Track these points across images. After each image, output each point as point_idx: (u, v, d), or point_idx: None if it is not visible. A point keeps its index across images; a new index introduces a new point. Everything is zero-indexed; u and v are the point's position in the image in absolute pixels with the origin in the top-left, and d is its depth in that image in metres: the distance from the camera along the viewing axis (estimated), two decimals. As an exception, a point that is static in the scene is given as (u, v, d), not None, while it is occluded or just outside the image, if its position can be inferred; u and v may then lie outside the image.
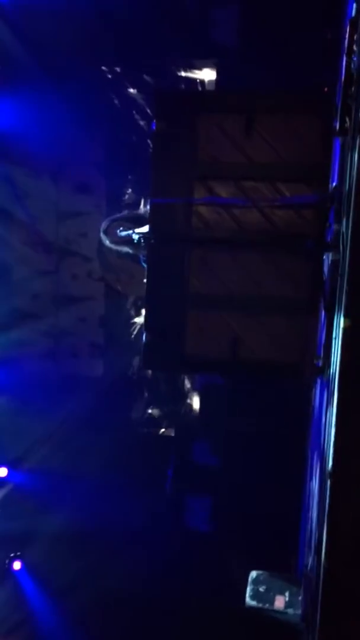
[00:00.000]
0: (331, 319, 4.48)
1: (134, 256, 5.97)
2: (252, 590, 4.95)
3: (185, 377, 9.57)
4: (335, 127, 4.50)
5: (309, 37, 7.42)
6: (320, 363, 4.89)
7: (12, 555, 9.13)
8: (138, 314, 9.53)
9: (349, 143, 3.51)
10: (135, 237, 5.41)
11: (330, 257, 4.85)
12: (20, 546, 9.15)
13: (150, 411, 9.81)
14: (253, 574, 5.08)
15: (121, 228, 5.67)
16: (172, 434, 9.71)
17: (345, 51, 3.42)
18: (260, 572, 5.04)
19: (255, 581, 4.98)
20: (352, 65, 3.28)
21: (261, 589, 4.91)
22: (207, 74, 8.91)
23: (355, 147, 3.16)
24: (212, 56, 8.80)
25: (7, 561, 9.11)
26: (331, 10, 6.88)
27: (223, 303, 5.06)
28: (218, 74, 8.81)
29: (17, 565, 9.17)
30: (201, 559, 8.58)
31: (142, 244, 5.50)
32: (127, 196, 9.43)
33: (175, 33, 8.62)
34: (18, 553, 9.16)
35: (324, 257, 4.98)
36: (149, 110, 8.90)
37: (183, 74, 8.94)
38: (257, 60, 7.89)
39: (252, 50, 8.14)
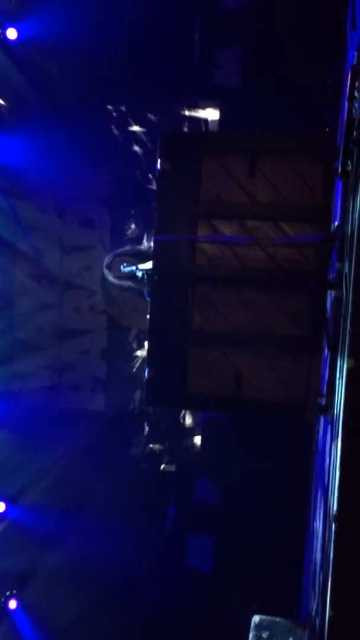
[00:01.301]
0: (334, 358, 4.47)
1: (137, 290, 6.01)
2: (255, 636, 4.82)
3: (187, 412, 9.51)
4: (337, 168, 4.58)
5: (311, 80, 7.60)
6: (324, 401, 4.86)
7: (7, 593, 8.94)
8: (140, 347, 9.53)
9: (352, 186, 3.56)
10: (139, 273, 5.44)
11: (332, 295, 4.87)
12: (17, 584, 8.96)
13: (151, 446, 9.72)
14: (256, 618, 4.95)
15: (125, 264, 5.72)
16: (173, 470, 9.60)
17: (347, 97, 3.50)
18: (263, 617, 4.91)
19: (258, 627, 4.85)
20: (354, 111, 3.35)
21: (264, 635, 4.78)
22: (211, 114, 9.09)
23: (357, 191, 3.20)
24: (216, 97, 9.00)
25: (2, 599, 8.91)
26: (332, 55, 7.07)
27: (226, 340, 5.06)
28: (221, 113, 8.99)
29: (12, 604, 8.97)
30: (202, 600, 8.39)
31: (145, 280, 5.54)
32: (130, 231, 9.54)
33: (180, 73, 8.83)
34: (14, 591, 8.96)
35: (327, 294, 5.00)
36: (151, 147, 9.06)
37: (187, 113, 9.13)
38: (260, 101, 8.07)
39: (254, 91, 8.32)
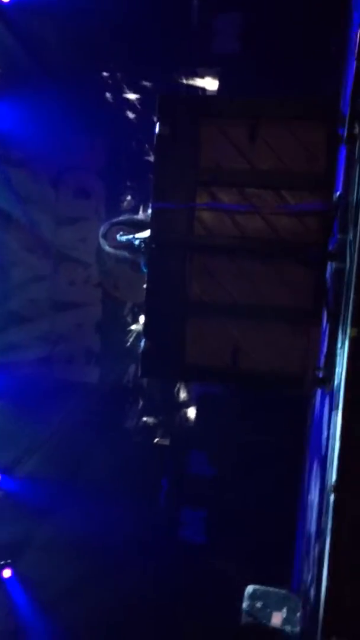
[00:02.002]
0: (334, 329, 4.41)
1: (133, 262, 5.90)
2: (249, 606, 4.84)
3: (182, 386, 9.49)
4: (341, 135, 4.46)
5: (313, 46, 7.41)
6: (322, 374, 4.81)
7: (2, 562, 8.98)
8: (135, 321, 9.45)
9: (358, 149, 3.45)
10: (136, 242, 5.33)
11: (333, 267, 4.79)
12: (11, 554, 9.00)
13: (145, 419, 9.71)
14: (249, 588, 4.97)
15: (121, 232, 5.60)
16: (167, 444, 9.60)
17: (355, 56, 3.37)
18: (257, 586, 4.93)
19: (252, 596, 4.87)
20: (363, 71, 3.23)
21: (258, 605, 4.80)
22: (209, 83, 8.89)
23: (364, 154, 3.10)
24: (214, 64, 8.78)
25: (-3, 567, 8.97)
26: (335, 19, 6.87)
27: (224, 311, 4.98)
28: (220, 82, 8.78)
29: (7, 573, 9.02)
30: (195, 571, 8.46)
31: (142, 250, 5.43)
32: (125, 202, 9.38)
33: (177, 40, 8.60)
34: (9, 560, 9.01)
35: (327, 266, 4.92)
36: (148, 117, 8.86)
37: (185, 81, 8.92)
38: (260, 68, 7.87)
39: (254, 58, 8.12)
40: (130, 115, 9.21)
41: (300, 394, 6.07)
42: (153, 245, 5.05)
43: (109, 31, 8.63)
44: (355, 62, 3.33)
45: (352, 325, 3.28)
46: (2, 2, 8.60)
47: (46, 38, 8.85)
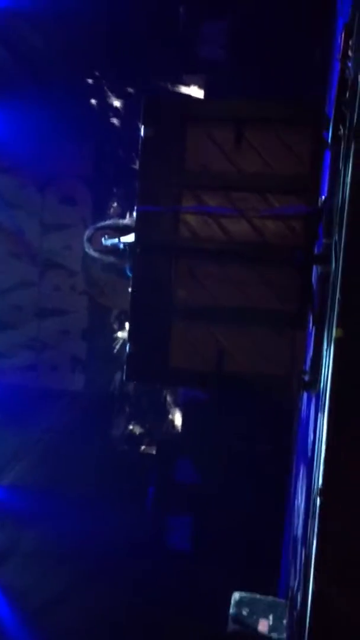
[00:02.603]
0: (320, 332, 4.40)
1: (118, 268, 5.85)
2: (235, 613, 4.79)
3: (168, 393, 9.44)
4: (326, 139, 4.47)
5: (298, 53, 7.46)
6: (307, 377, 4.79)
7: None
8: (121, 328, 9.41)
9: (343, 150, 3.45)
10: (121, 246, 5.30)
11: (318, 270, 4.79)
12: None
13: (131, 427, 9.65)
14: (236, 595, 4.91)
15: (106, 236, 5.56)
16: (154, 452, 9.55)
17: (340, 57, 3.38)
18: (243, 593, 4.87)
19: (239, 603, 4.82)
20: (347, 72, 3.23)
21: (244, 612, 4.74)
22: (195, 91, 8.92)
23: (349, 154, 3.10)
24: (200, 71, 8.83)
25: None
26: (320, 26, 6.94)
27: (209, 314, 4.95)
28: (205, 89, 8.83)
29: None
30: (182, 578, 8.39)
31: (127, 254, 5.40)
32: (112, 209, 9.37)
33: (164, 47, 8.64)
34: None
35: (313, 270, 4.91)
36: (134, 124, 8.86)
37: (171, 88, 8.94)
38: (245, 75, 7.92)
39: (240, 65, 8.17)
40: (116, 122, 9.22)
41: (286, 398, 6.04)
42: (138, 249, 5.01)
43: (95, 38, 8.65)
44: (339, 64, 3.34)
45: (338, 326, 3.26)
46: (-11, 8, 8.60)
47: (33, 45, 8.86)
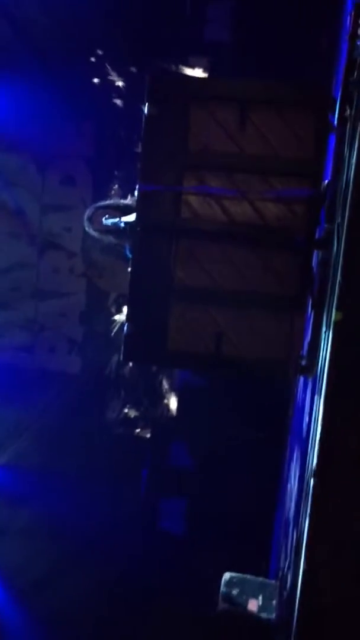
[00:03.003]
0: (319, 316, 4.39)
1: (118, 250, 5.82)
2: (225, 592, 4.84)
3: (163, 376, 9.45)
4: (332, 122, 4.43)
5: (305, 35, 7.39)
6: (305, 362, 4.79)
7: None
8: (119, 312, 9.39)
9: (349, 131, 3.42)
10: (122, 225, 5.26)
11: (319, 255, 4.77)
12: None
13: (126, 411, 9.66)
14: (227, 576, 4.96)
15: (107, 216, 5.52)
16: (148, 435, 9.57)
17: (348, 36, 3.33)
18: (234, 574, 4.92)
19: (229, 584, 4.87)
20: (356, 51, 3.19)
21: (234, 592, 4.79)
22: (199, 74, 8.83)
23: (355, 135, 3.07)
24: (205, 53, 8.74)
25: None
26: (326, 9, 6.86)
27: (208, 297, 4.93)
28: (210, 71, 8.74)
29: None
30: (175, 562, 8.45)
31: (128, 234, 5.36)
32: (113, 191, 9.31)
33: (169, 28, 8.55)
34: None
35: (313, 254, 4.89)
36: (137, 105, 8.77)
37: (175, 69, 8.85)
38: (251, 58, 7.85)
39: (245, 47, 8.10)
40: (119, 103, 9.13)
41: (283, 383, 6.05)
42: (138, 228, 4.98)
43: (100, 16, 8.55)
44: (348, 43, 3.30)
45: (337, 309, 3.26)
46: (-9, -16, 8.49)
47: (36, 22, 8.75)
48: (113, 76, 9.09)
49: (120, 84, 9.10)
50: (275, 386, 6.61)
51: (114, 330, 9.37)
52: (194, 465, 9.02)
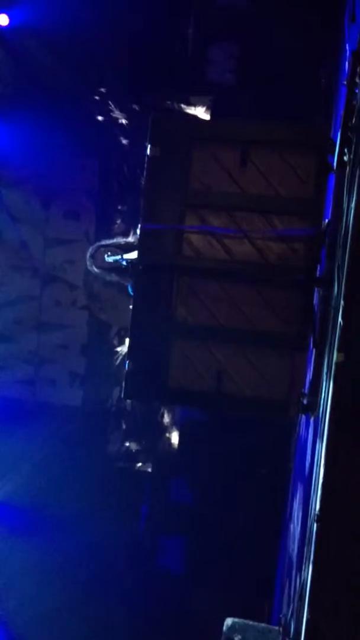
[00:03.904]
0: (320, 355, 4.37)
1: (120, 285, 5.85)
2: (227, 638, 4.72)
3: (165, 411, 9.40)
4: (331, 163, 4.49)
5: (305, 77, 7.55)
6: (306, 400, 4.76)
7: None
8: (121, 344, 9.39)
9: (348, 175, 3.47)
10: (124, 263, 5.30)
11: (320, 293, 4.78)
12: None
13: (127, 445, 9.58)
14: (228, 621, 4.84)
15: (109, 253, 5.57)
16: (149, 469, 9.47)
17: (346, 82, 3.40)
18: (236, 619, 4.81)
19: (231, 629, 4.75)
20: (355, 98, 3.26)
21: (236, 638, 4.68)
22: (201, 113, 9.00)
23: (354, 180, 3.11)
24: (207, 93, 8.92)
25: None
26: (325, 53, 7.03)
27: (209, 334, 4.94)
28: (212, 111, 8.91)
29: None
30: (173, 601, 8.28)
31: (130, 271, 5.40)
32: (116, 226, 9.40)
33: (172, 67, 8.74)
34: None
35: (314, 292, 4.91)
36: (140, 142, 8.91)
37: (177, 108, 9.02)
38: (252, 99, 8.00)
39: (246, 88, 8.26)
40: (123, 139, 9.29)
41: (284, 421, 6.01)
42: (140, 267, 5.02)
43: (104, 55, 8.76)
44: (346, 90, 3.37)
45: (339, 350, 3.24)
46: (0, 25, 8.73)
47: (41, 61, 8.96)
48: (116, 113, 9.26)
49: (123, 121, 9.27)
50: (277, 422, 6.57)
51: (116, 362, 9.35)
52: (194, 501, 8.90)
